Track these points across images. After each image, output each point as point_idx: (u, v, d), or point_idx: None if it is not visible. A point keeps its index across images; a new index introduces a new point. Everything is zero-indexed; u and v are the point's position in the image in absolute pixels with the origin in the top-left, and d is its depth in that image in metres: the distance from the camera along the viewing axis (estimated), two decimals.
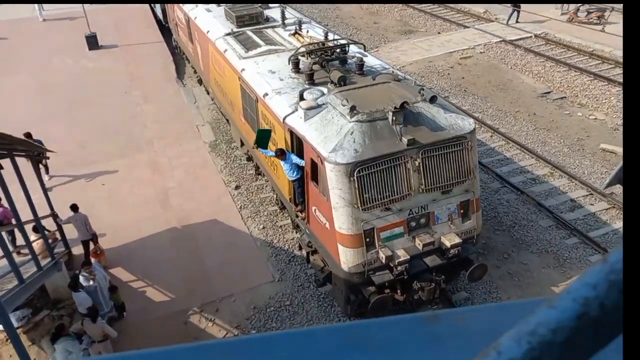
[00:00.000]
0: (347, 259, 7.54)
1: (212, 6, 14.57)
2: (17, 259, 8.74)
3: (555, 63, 18.27)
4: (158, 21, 23.73)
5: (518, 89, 17.27)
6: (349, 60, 9.73)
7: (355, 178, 7.17)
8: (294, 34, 11.70)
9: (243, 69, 10.54)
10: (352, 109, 7.48)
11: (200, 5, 14.91)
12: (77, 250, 10.61)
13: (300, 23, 12.10)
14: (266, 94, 9.32)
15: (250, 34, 12.09)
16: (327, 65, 9.45)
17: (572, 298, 0.47)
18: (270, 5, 14.41)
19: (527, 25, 22.24)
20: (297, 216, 9.41)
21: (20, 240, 10.12)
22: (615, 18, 22.01)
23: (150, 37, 22.66)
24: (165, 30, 22.63)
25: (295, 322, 8.93)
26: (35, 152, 10.24)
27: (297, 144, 8.51)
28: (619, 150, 13.37)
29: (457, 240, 7.81)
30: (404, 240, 7.68)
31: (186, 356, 0.90)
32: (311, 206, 8.40)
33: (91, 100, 17.13)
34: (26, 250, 8.92)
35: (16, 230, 9.93)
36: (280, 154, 8.54)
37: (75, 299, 8.24)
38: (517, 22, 22.68)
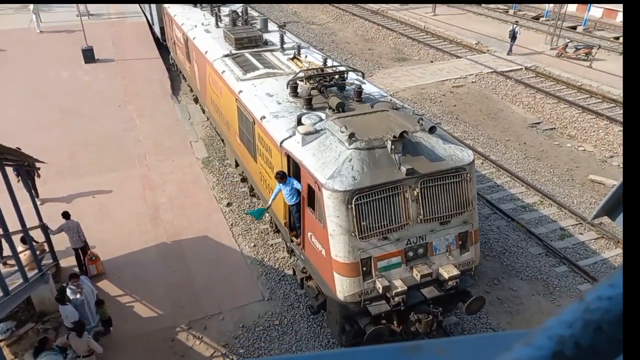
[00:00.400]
0: (343, 287, 7.40)
1: (212, 27, 14.68)
2: (3, 270, 8.57)
3: (545, 95, 18.74)
4: (156, 39, 23.90)
5: (509, 119, 17.62)
6: (347, 87, 9.77)
7: (353, 206, 7.08)
8: (292, 59, 11.76)
9: (241, 91, 10.54)
10: (351, 135, 7.47)
11: (199, 26, 15.02)
12: (65, 262, 10.44)
13: (299, 48, 12.19)
14: (263, 117, 9.30)
15: (249, 56, 12.13)
16: (325, 91, 9.47)
17: (548, 336, 0.46)
18: (270, 28, 14.58)
19: (518, 57, 22.85)
20: (292, 241, 9.24)
21: (7, 251, 9.94)
22: (602, 55, 22.73)
23: (147, 53, 22.81)
24: (162, 47, 22.80)
25: (284, 343, 8.82)
26: (26, 162, 10.14)
27: (294, 169, 8.43)
28: (608, 181, 13.64)
29: (455, 272, 7.71)
30: (401, 270, 7.57)
31: None
32: (307, 232, 8.28)
33: (84, 112, 17.09)
34: (13, 261, 8.75)
35: (3, 241, 9.74)
36: (281, 177, 8.38)
37: (61, 312, 8.06)
38: (510, 52, 23.32)
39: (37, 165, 10.84)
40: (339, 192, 7.07)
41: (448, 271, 7.70)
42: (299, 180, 8.24)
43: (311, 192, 7.76)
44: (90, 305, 8.51)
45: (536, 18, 29.95)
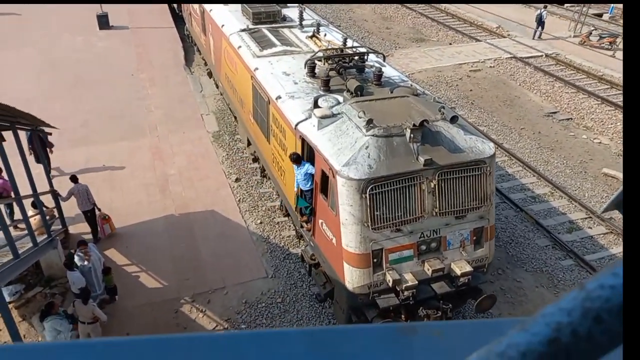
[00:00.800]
0: (352, 278, 7.27)
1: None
2: (14, 233, 8.71)
3: (564, 84, 18.34)
4: (172, 9, 23.63)
5: (525, 107, 17.32)
6: (367, 70, 9.47)
7: (367, 195, 6.88)
8: (311, 37, 11.46)
9: (256, 68, 10.26)
10: (369, 122, 7.23)
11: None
12: (74, 229, 10.59)
13: (318, 26, 11.84)
14: (279, 97, 9.04)
15: (266, 32, 11.87)
16: (344, 73, 9.18)
17: (545, 322, 0.46)
18: (289, 4, 14.20)
19: (539, 44, 22.31)
20: (301, 226, 9.07)
21: (18, 215, 10.10)
22: None
23: (161, 22, 22.62)
24: (178, 18, 22.56)
25: (285, 320, 8.94)
26: (38, 126, 10.19)
27: (309, 153, 8.20)
28: (621, 176, 13.42)
29: (468, 268, 7.50)
30: (412, 264, 7.41)
31: (158, 347, 0.89)
32: (318, 219, 8.11)
33: (97, 80, 17.09)
34: (23, 225, 8.89)
35: (14, 204, 9.89)
36: (295, 160, 8.20)
37: (69, 277, 8.22)
38: (540, 38, 22.84)
39: (49, 130, 10.90)
40: (353, 181, 6.86)
41: (460, 267, 7.49)
42: (314, 165, 8.05)
43: (325, 178, 7.56)
44: (97, 273, 8.66)
45: (561, 3, 29.08)
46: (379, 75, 9.03)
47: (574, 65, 19.99)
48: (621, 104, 16.78)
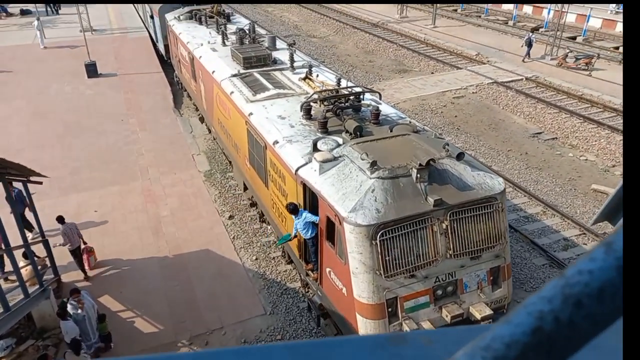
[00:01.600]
0: (366, 331, 6.86)
1: (218, 45, 14.43)
2: (4, 285, 8.52)
3: (546, 105, 18.73)
4: (160, 57, 23.97)
5: (510, 129, 17.59)
6: (364, 109, 9.37)
7: (377, 241, 6.56)
8: (304, 79, 11.42)
9: (251, 113, 10.17)
10: (373, 163, 6.98)
11: (205, 45, 14.72)
12: (67, 277, 10.39)
13: (310, 67, 11.79)
14: (276, 142, 8.87)
15: (258, 76, 11.84)
16: (341, 114, 9.06)
17: (527, 312, 0.46)
18: (278, 46, 14.35)
19: (518, 68, 22.89)
20: (307, 275, 8.77)
21: (8, 267, 9.90)
22: (602, 64, 22.76)
23: (149, 68, 22.96)
24: (166, 64, 22.87)
25: None
26: (28, 176, 10.13)
27: (311, 198, 7.96)
28: (610, 190, 13.54)
29: (488, 311, 7.13)
30: (429, 310, 7.03)
31: None
32: (325, 267, 7.79)
33: (87, 127, 17.15)
34: (14, 277, 8.70)
35: (5, 256, 9.71)
36: (292, 210, 7.97)
37: (62, 327, 7.99)
38: (529, 58, 23.61)
39: (40, 179, 10.84)
40: (362, 227, 6.57)
41: (480, 310, 7.14)
42: (316, 212, 7.77)
43: (330, 225, 7.28)
44: (91, 321, 8.44)
45: (536, 29, 30.04)
46: (376, 113, 8.89)
47: (553, 87, 20.47)
48: (603, 121, 17.12)
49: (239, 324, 9.34)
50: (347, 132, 8.38)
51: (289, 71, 12.20)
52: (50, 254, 9.82)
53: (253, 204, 12.37)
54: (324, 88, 10.30)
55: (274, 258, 11.06)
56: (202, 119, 16.99)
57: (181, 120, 17.97)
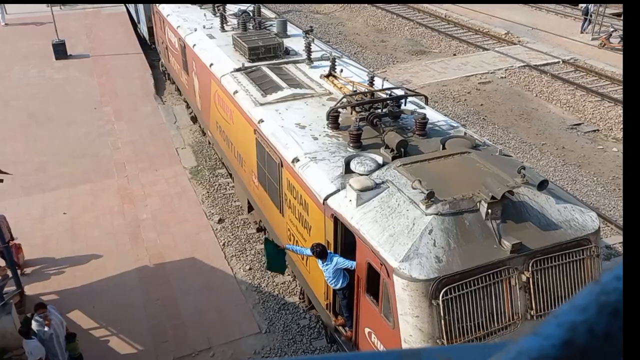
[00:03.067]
0: None
1: (216, 31, 13.69)
2: None
3: (586, 92, 18.66)
4: (140, 38, 23.80)
5: (544, 120, 17.54)
6: (404, 116, 8.59)
7: (439, 302, 5.74)
8: (327, 76, 10.61)
9: (261, 120, 9.36)
10: (430, 195, 6.12)
11: (199, 30, 13.96)
12: (30, 289, 10.40)
13: (333, 60, 10.73)
14: (296, 160, 8.06)
15: (267, 71, 11.07)
16: (379, 123, 8.18)
17: (558, 323, 0.46)
18: (290, 32, 13.58)
19: (554, 49, 22.80)
20: (336, 330, 8.07)
21: None
22: None
23: (126, 48, 22.98)
24: (148, 49, 22.76)
25: None
26: None
27: (344, 236, 7.17)
28: None
29: None
30: None
31: None
32: (363, 327, 7.05)
33: (55, 116, 17.19)
34: None
35: None
36: (320, 253, 7.16)
37: (25, 347, 7.99)
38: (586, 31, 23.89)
39: (0, 177, 10.87)
40: (418, 282, 5.75)
41: None
42: (351, 253, 6.95)
43: (373, 274, 6.53)
44: (59, 339, 8.44)
45: (574, 3, 29.92)
46: (422, 123, 8.10)
47: (595, 71, 20.39)
48: None
49: (230, 344, 9.34)
50: (387, 147, 7.60)
51: (305, 65, 11.45)
52: (12, 263, 9.83)
53: (261, 229, 11.71)
54: (354, 89, 9.50)
55: None
56: (194, 119, 16.49)
57: (163, 109, 17.98)
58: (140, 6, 21.42)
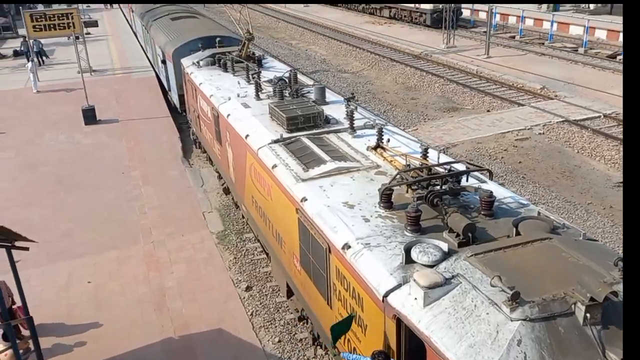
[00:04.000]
0: None
1: (250, 99, 13.51)
2: None
3: None
4: (172, 108, 24.30)
5: (588, 177, 17.23)
6: (466, 193, 7.91)
7: None
8: (374, 148, 10.04)
9: (304, 199, 8.71)
10: (515, 296, 5.29)
11: (233, 99, 13.82)
12: None
13: (380, 130, 10.18)
14: (347, 246, 7.29)
15: (308, 142, 10.56)
16: (440, 203, 7.33)
17: None
18: (328, 98, 13.16)
19: (594, 103, 22.70)
20: None
21: None
22: None
23: (155, 112, 23.83)
24: (178, 115, 23.36)
25: None
26: (13, 241, 10.38)
27: (408, 340, 6.25)
28: None
29: None
30: None
31: None
32: None
33: (83, 182, 17.67)
34: None
35: None
36: None
37: None
38: None
39: (26, 245, 11.09)
40: None
41: None
42: None
43: None
44: None
45: (612, 57, 30.07)
46: (489, 202, 7.28)
47: None
48: None
49: None
50: (451, 231, 6.78)
51: (347, 134, 10.98)
52: (34, 335, 9.85)
53: (302, 319, 10.99)
54: (406, 163, 8.92)
55: (301, 340, 10.80)
56: (227, 190, 16.30)
57: (191, 172, 18.35)
58: (171, 73, 21.56)
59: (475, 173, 8.55)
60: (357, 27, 43.33)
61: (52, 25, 27.96)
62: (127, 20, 46.26)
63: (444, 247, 6.47)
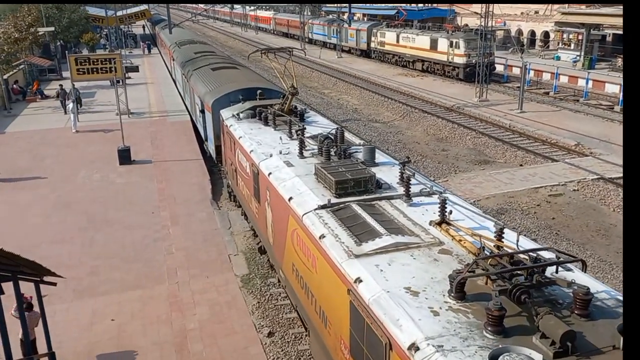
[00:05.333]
0: None
1: (294, 158, 12.58)
2: None
3: None
4: (207, 157, 24.13)
5: None
6: (555, 287, 6.79)
7: None
8: (439, 223, 8.68)
9: (359, 280, 7.53)
10: None
11: (275, 157, 12.89)
12: None
13: (443, 201, 8.77)
14: (415, 348, 6.11)
15: (359, 210, 9.45)
16: (528, 301, 6.22)
17: None
18: (378, 159, 12.20)
19: None
20: None
21: None
22: None
23: (187, 154, 24.32)
24: (213, 164, 23.29)
25: None
26: (42, 276, 10.54)
27: None
28: None
29: None
30: None
31: None
32: None
33: (113, 220, 17.97)
34: None
35: None
36: None
37: None
38: None
39: (54, 280, 11.25)
40: None
41: None
42: None
43: None
44: None
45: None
46: (585, 300, 6.14)
47: None
48: None
49: None
50: (544, 337, 5.68)
51: (402, 202, 9.89)
52: None
53: None
54: (480, 245, 7.66)
55: None
56: (262, 250, 15.30)
57: (219, 214, 18.50)
58: (209, 123, 21.00)
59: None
60: (390, 79, 43.97)
61: (95, 69, 29.19)
62: (167, 68, 47.96)
63: (534, 355, 5.49)
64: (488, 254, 7.35)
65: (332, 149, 12.18)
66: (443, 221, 8.65)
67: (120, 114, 25.55)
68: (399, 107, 34.74)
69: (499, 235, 7.62)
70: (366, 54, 58.54)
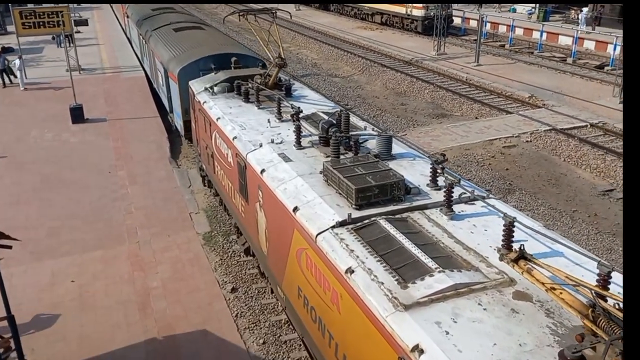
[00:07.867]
0: None
1: (291, 149, 10.26)
2: None
3: (618, 157, 18.57)
4: (160, 106, 23.54)
5: (574, 185, 17.41)
6: None
7: None
8: (515, 260, 5.92)
9: (420, 349, 5.30)
10: None
11: (266, 147, 10.56)
12: None
13: (510, 224, 6.22)
14: None
15: (390, 229, 7.16)
16: None
17: None
18: (395, 152, 9.87)
19: (581, 113, 22.97)
20: None
21: None
22: None
23: (143, 112, 23.74)
24: (161, 104, 23.49)
25: None
26: None
27: None
28: None
29: None
30: None
31: None
32: None
33: (69, 180, 17.55)
34: None
35: None
36: None
37: None
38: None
39: (10, 243, 10.99)
40: None
41: None
42: None
43: None
44: None
45: (600, 67, 30.48)
46: None
47: None
48: None
49: None
50: None
51: (439, 213, 7.68)
52: (15, 334, 9.76)
53: None
54: (591, 302, 4.96)
55: (285, 342, 10.80)
56: (248, 250, 13.13)
57: (178, 173, 18.29)
58: (175, 95, 18.57)
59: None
60: (349, 32, 43.48)
61: (41, 23, 27.80)
62: (120, 25, 45.94)
63: None
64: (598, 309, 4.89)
65: (339, 138, 9.55)
66: (522, 257, 5.90)
67: (70, 70, 24.56)
68: (358, 61, 34.53)
69: (604, 282, 5.06)
70: (325, 6, 57.49)
